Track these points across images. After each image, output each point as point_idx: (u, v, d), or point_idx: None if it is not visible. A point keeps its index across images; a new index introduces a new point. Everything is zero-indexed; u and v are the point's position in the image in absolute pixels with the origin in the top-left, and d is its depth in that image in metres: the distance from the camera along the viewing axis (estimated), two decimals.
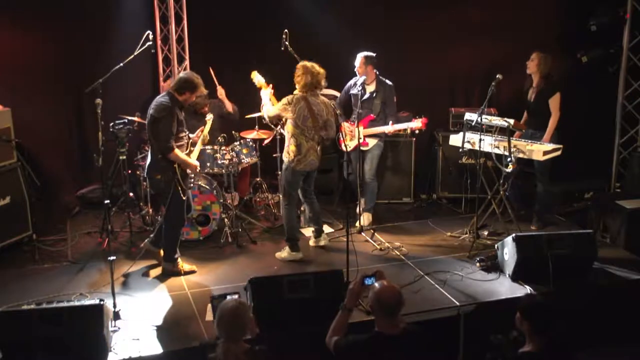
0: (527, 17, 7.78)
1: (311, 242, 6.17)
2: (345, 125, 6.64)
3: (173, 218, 5.48)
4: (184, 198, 5.44)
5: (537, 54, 6.34)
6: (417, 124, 6.61)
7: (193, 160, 5.53)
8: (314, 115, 5.66)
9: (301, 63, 5.73)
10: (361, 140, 6.53)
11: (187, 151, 5.53)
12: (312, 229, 6.24)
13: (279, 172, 6.94)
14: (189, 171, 5.50)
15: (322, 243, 6.16)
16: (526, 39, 7.47)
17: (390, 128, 6.58)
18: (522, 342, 3.66)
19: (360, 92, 6.55)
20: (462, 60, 7.80)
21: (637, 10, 7.04)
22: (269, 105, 5.97)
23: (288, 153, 5.76)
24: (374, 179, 6.79)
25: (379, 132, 6.61)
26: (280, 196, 6.02)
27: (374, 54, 6.55)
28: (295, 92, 5.74)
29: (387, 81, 6.64)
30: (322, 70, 5.70)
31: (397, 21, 7.75)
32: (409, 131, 7.25)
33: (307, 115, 5.64)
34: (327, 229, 6.64)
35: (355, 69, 6.58)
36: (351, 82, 6.72)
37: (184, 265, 5.63)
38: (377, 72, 6.62)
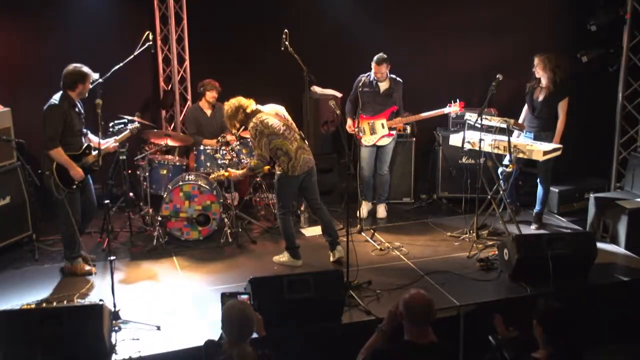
0: (527, 17, 7.79)
1: (330, 256, 5.88)
2: (366, 121, 6.72)
3: (60, 218, 5.42)
4: (59, 197, 5.32)
5: (538, 57, 6.35)
6: (454, 108, 6.73)
7: (75, 167, 5.35)
8: (280, 117, 5.64)
9: (226, 112, 5.61)
10: (386, 133, 6.73)
11: (80, 153, 5.45)
12: (327, 240, 5.91)
13: None
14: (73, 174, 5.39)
15: (337, 255, 5.74)
16: (526, 39, 7.49)
17: (426, 114, 6.77)
18: (522, 342, 3.66)
19: (374, 90, 6.69)
20: (462, 60, 7.80)
21: (637, 10, 7.03)
22: (253, 160, 5.68)
23: (279, 166, 5.62)
24: (388, 172, 7.00)
25: (420, 119, 6.85)
26: (276, 207, 5.89)
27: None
28: (248, 124, 5.58)
29: (398, 78, 6.78)
30: (237, 99, 5.60)
31: (398, 21, 7.75)
32: (409, 131, 7.30)
33: (276, 121, 5.57)
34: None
35: (377, 71, 6.58)
36: (362, 80, 6.77)
37: (84, 266, 5.58)
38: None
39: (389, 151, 6.92)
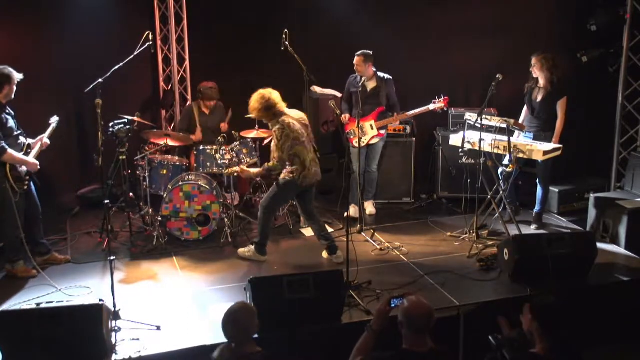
0: (527, 17, 7.79)
1: (324, 255, 5.89)
2: (353, 124, 6.64)
3: (7, 222, 5.38)
4: (15, 200, 5.29)
5: (535, 57, 6.35)
6: (439, 104, 6.65)
7: (31, 159, 5.42)
8: (303, 125, 5.64)
9: (255, 99, 5.49)
10: (375, 133, 6.66)
11: (23, 152, 5.43)
12: (325, 245, 5.88)
13: None
14: (22, 170, 5.38)
15: (340, 260, 5.71)
16: (526, 39, 7.49)
17: (411, 112, 6.68)
18: (522, 342, 3.66)
19: (361, 89, 6.61)
20: (462, 60, 7.80)
21: (637, 10, 7.03)
22: (273, 162, 5.53)
23: (291, 173, 5.55)
24: (376, 169, 6.95)
25: (405, 117, 6.75)
26: (262, 205, 5.79)
27: (370, 52, 6.58)
28: (272, 123, 5.55)
29: (386, 75, 6.71)
30: (268, 90, 5.53)
31: (398, 21, 7.76)
32: (409, 131, 7.29)
33: (301, 127, 5.57)
34: (326, 229, 6.65)
35: (355, 68, 6.61)
36: (351, 80, 6.77)
37: (24, 270, 5.56)
38: (375, 68, 6.66)
39: (379, 149, 6.90)
